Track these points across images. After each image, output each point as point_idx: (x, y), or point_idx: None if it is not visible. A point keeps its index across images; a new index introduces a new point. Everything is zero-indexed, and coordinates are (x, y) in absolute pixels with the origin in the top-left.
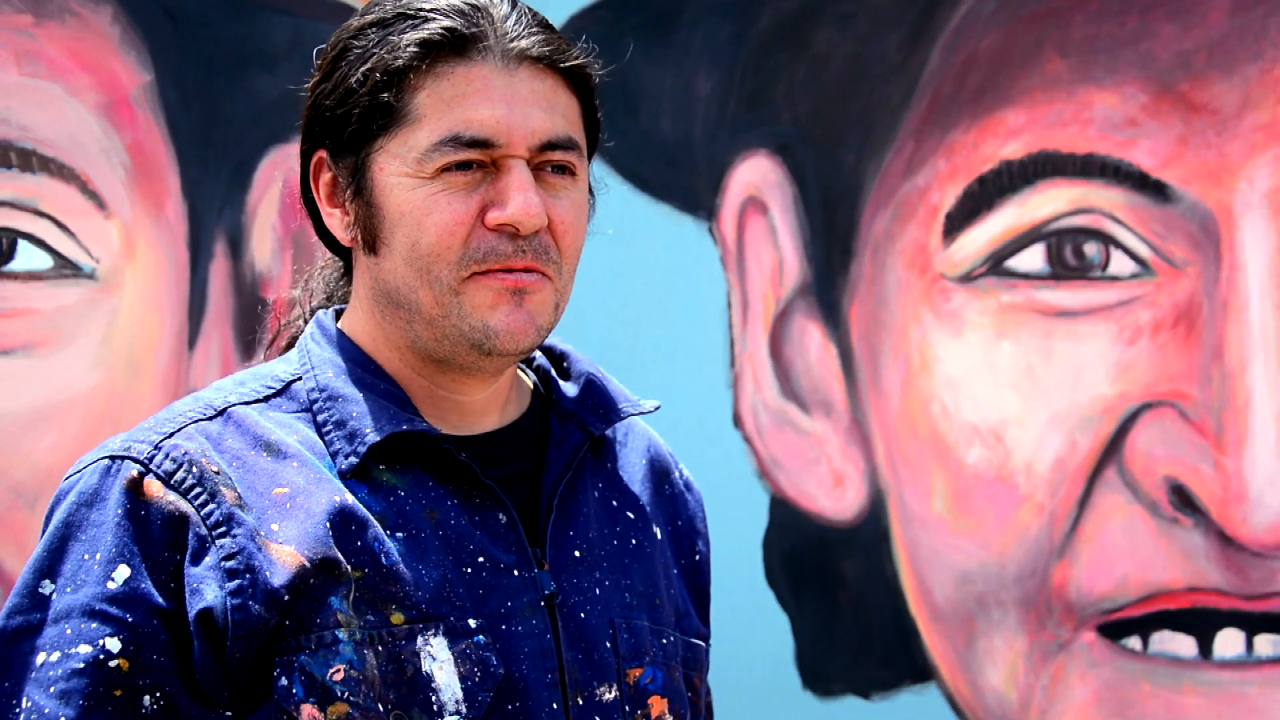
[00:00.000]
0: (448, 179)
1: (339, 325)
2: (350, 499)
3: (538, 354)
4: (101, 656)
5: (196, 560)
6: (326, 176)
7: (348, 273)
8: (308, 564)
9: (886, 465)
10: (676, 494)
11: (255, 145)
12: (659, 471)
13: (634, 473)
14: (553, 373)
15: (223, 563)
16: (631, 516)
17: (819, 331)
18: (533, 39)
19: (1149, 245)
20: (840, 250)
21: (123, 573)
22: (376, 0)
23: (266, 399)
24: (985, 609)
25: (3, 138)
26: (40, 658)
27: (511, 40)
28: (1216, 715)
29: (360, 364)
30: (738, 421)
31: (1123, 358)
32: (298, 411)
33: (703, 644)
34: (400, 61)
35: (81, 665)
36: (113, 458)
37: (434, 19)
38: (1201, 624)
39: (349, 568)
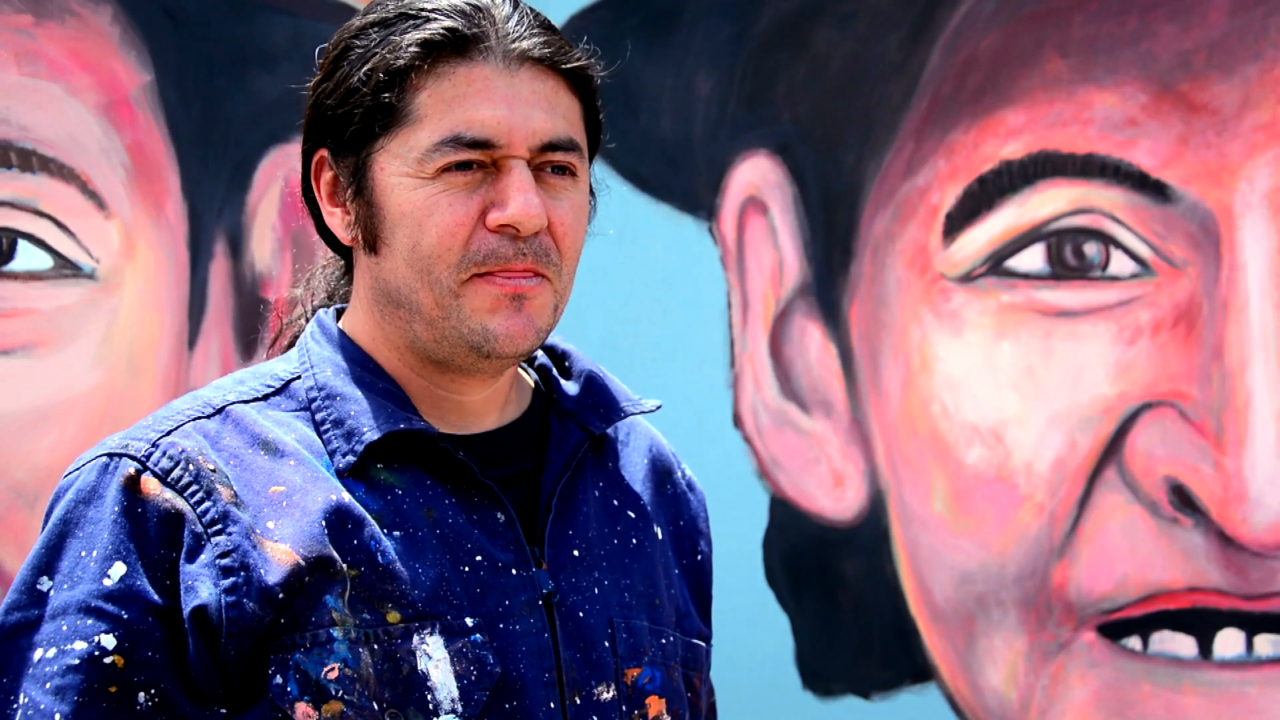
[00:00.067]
0: (448, 179)
1: (339, 324)
2: (347, 497)
3: (539, 353)
4: (96, 653)
5: (192, 558)
6: (328, 176)
7: (349, 272)
8: (303, 562)
9: (886, 465)
10: (678, 494)
11: (255, 145)
12: (661, 471)
13: (635, 472)
14: (554, 372)
15: (218, 560)
16: (632, 516)
17: (819, 331)
18: (534, 40)
19: (1149, 245)
20: (840, 250)
21: (118, 570)
22: (378, 0)
23: (265, 398)
24: (985, 609)
25: (3, 138)
26: (37, 654)
27: (513, 41)
28: (1216, 715)
29: (360, 363)
30: (738, 421)
31: (1123, 358)
32: (296, 410)
33: (703, 644)
34: (402, 61)
35: (77, 661)
36: (111, 455)
37: (435, 19)
38: (1201, 624)
39: (344, 566)
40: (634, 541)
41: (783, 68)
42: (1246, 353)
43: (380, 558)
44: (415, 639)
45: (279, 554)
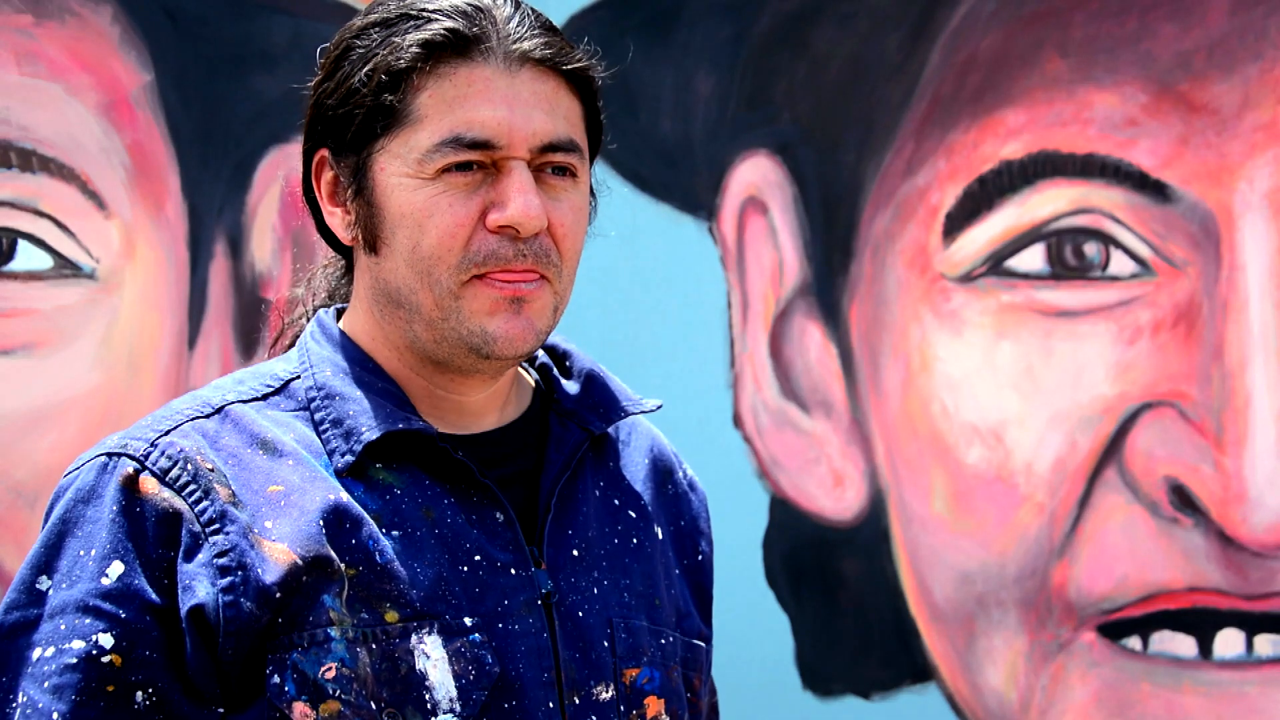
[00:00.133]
0: (449, 180)
1: (340, 324)
2: (345, 497)
3: (540, 352)
4: (94, 652)
5: (189, 557)
6: (328, 176)
7: (350, 272)
8: (300, 561)
9: (886, 465)
10: (680, 493)
11: (255, 145)
12: (662, 471)
13: (636, 472)
14: (554, 371)
15: (215, 560)
16: (633, 516)
17: (819, 331)
18: (535, 41)
19: (1149, 245)
20: (840, 250)
21: (116, 569)
22: (380, 0)
23: (265, 397)
24: (985, 609)
25: (3, 138)
26: (36, 653)
27: (514, 42)
28: (1216, 715)
29: (359, 363)
30: (738, 421)
31: (1123, 358)
32: (296, 410)
33: (703, 644)
34: (402, 62)
35: (74, 660)
36: (109, 455)
37: (437, 20)
38: (1201, 624)
39: (342, 566)
40: (634, 541)
41: (783, 68)
42: (1246, 353)
43: (378, 557)
44: (413, 639)
45: (276, 553)
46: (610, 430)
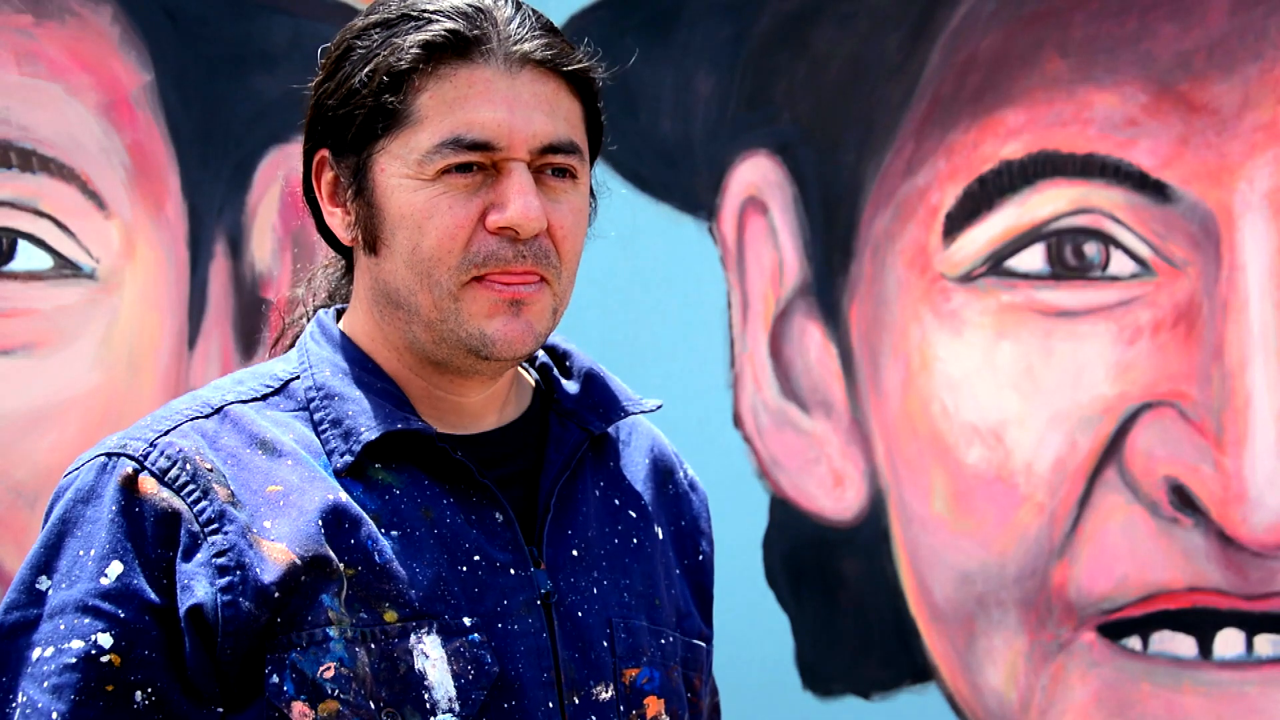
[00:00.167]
0: (448, 181)
1: (340, 325)
2: (344, 497)
3: (540, 352)
4: (93, 652)
5: (188, 557)
6: (328, 176)
7: (350, 272)
8: (299, 561)
9: (886, 465)
10: (680, 493)
11: (255, 145)
12: (662, 471)
13: (636, 472)
14: (554, 371)
15: (214, 559)
16: (633, 516)
17: (819, 331)
18: (536, 42)
19: (1149, 245)
20: (840, 250)
21: (115, 569)
22: (381, 0)
23: (264, 398)
24: (985, 609)
25: (3, 138)
26: (35, 653)
27: (514, 43)
28: (1216, 715)
29: (359, 363)
30: (738, 421)
31: (1123, 358)
32: (295, 410)
33: (703, 644)
34: (403, 63)
35: (74, 660)
36: (109, 455)
37: (437, 20)
38: (1201, 624)
39: (341, 565)
40: (634, 541)
41: (783, 68)
42: (1246, 353)
43: (377, 557)
44: (412, 638)
45: (275, 553)
46: (610, 430)
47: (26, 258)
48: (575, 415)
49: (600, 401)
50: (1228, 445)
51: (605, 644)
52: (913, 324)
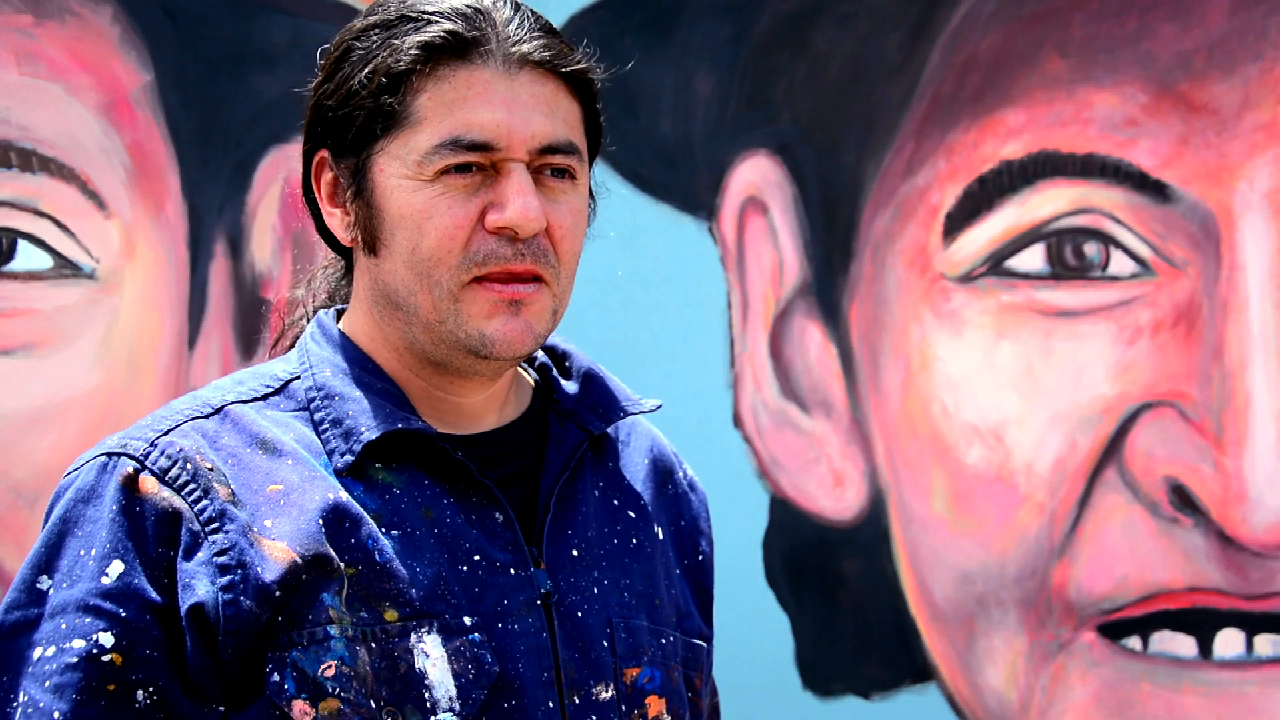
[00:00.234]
0: (448, 182)
1: (339, 325)
2: (344, 496)
3: (539, 353)
4: (95, 651)
5: (189, 556)
6: (328, 177)
7: (349, 272)
8: (299, 560)
9: (886, 465)
10: (680, 493)
11: (255, 145)
12: (662, 471)
13: (636, 472)
14: (554, 371)
15: (215, 558)
16: (632, 516)
17: (819, 331)
18: (534, 43)
19: (1149, 245)
20: (840, 250)
21: (116, 568)
22: (380, 1)
23: (264, 398)
24: (985, 609)
25: (3, 138)
26: (36, 652)
27: (513, 44)
28: (1216, 715)
29: (359, 364)
30: (738, 421)
31: (1123, 358)
32: (295, 410)
33: (704, 644)
34: (402, 64)
35: (75, 660)
36: (109, 454)
37: (436, 22)
38: (1201, 624)
39: (342, 564)
40: (634, 541)
41: (783, 68)
42: (1246, 353)
43: (378, 556)
44: (413, 638)
45: (276, 552)
46: (610, 430)
47: (26, 258)
48: (575, 415)
49: (600, 402)
50: (1228, 445)
51: (605, 644)
52: (913, 324)
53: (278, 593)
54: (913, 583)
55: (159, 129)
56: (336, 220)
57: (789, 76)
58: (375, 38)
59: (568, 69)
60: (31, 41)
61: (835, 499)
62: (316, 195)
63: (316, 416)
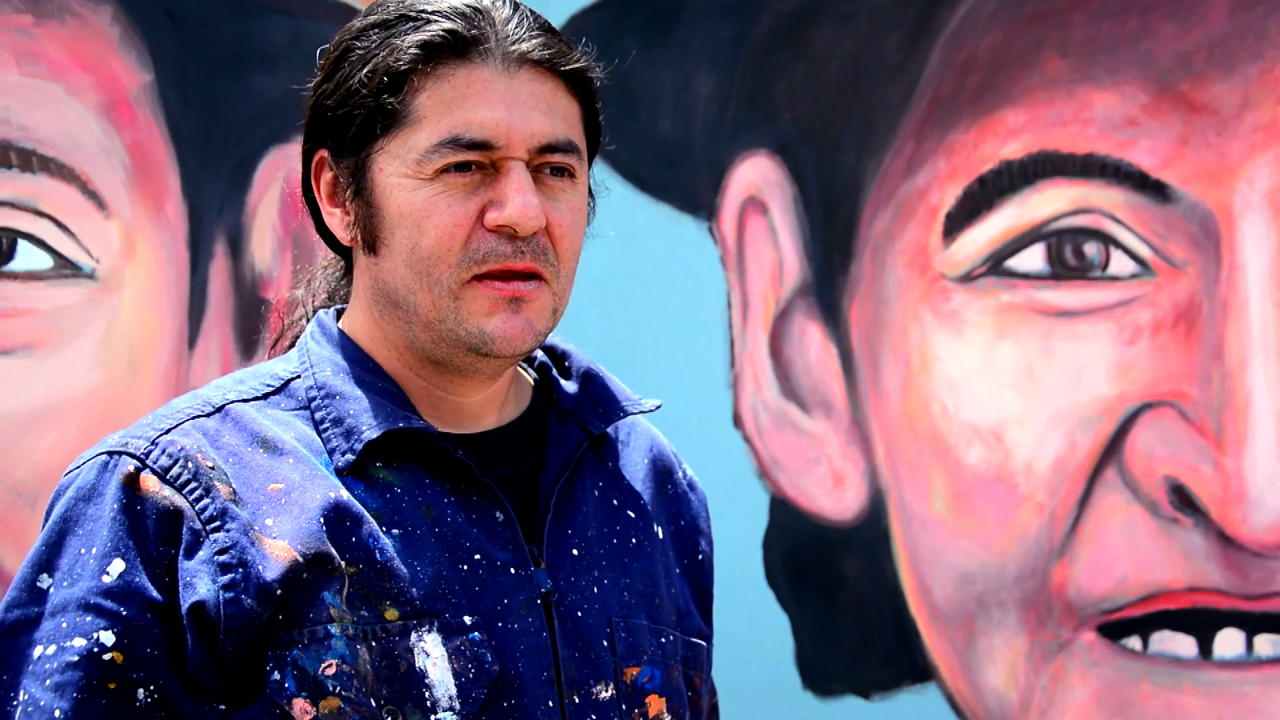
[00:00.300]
0: (447, 180)
1: (339, 325)
2: (345, 495)
3: (539, 352)
4: (95, 650)
5: (190, 554)
6: (327, 176)
7: (349, 272)
8: (300, 558)
9: (886, 465)
10: (679, 493)
11: (255, 145)
12: (661, 470)
13: (636, 471)
14: (553, 371)
15: (216, 557)
16: (632, 515)
17: (819, 331)
18: (534, 42)
19: (1149, 245)
20: (840, 250)
21: (117, 567)
22: (379, 1)
23: (265, 397)
24: (985, 609)
25: (3, 138)
26: (37, 651)
27: (513, 43)
28: (1216, 715)
29: (359, 363)
30: (738, 421)
31: (1123, 358)
32: (296, 409)
33: (704, 643)
34: (402, 63)
35: (76, 658)
36: (110, 453)
37: (436, 21)
38: (1201, 624)
39: (343, 563)
40: (634, 541)
41: (783, 68)
42: (1246, 353)
43: (379, 555)
44: (413, 636)
45: (277, 551)
46: (610, 430)
47: (26, 258)
48: (574, 415)
49: (599, 401)
50: (1228, 445)
51: (605, 643)
52: (913, 324)
53: (279, 591)
54: (913, 583)
55: (159, 129)
56: (336, 219)
57: (789, 76)
58: (375, 37)
59: (567, 68)
60: (31, 41)
61: (835, 499)
62: (316, 195)
63: (317, 415)
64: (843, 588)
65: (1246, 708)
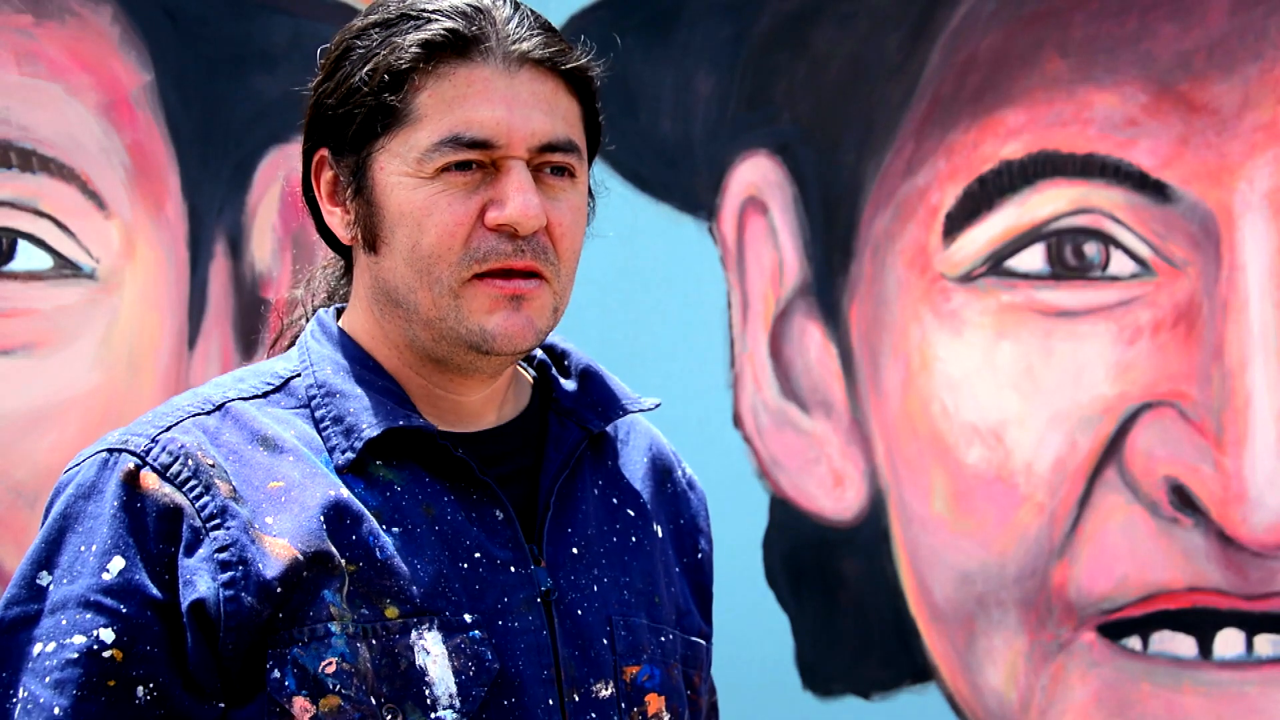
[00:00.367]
0: (448, 179)
1: (339, 323)
2: (345, 493)
3: (538, 351)
4: (95, 647)
5: (190, 552)
6: (328, 175)
7: (349, 271)
8: (300, 556)
9: (886, 465)
10: (679, 492)
11: (255, 145)
12: (661, 469)
13: (635, 470)
14: (553, 370)
15: (216, 554)
16: (632, 514)
17: (819, 331)
18: (534, 41)
19: (1149, 245)
20: (840, 250)
21: (117, 564)
22: (380, 0)
23: (265, 395)
24: (985, 609)
25: (3, 138)
26: (37, 648)
27: (513, 42)
28: (1216, 715)
29: (359, 361)
30: (738, 421)
31: (1123, 358)
32: (296, 408)
33: (703, 642)
34: (403, 62)
35: (75, 655)
36: (110, 450)
37: (436, 20)
38: (1201, 624)
39: (343, 561)
40: (633, 539)
41: (783, 68)
42: (1246, 353)
43: (379, 553)
44: (413, 635)
45: (277, 549)
46: (609, 429)
47: (26, 258)
48: (574, 414)
49: (599, 400)
50: (1228, 445)
51: (605, 641)
52: (913, 324)
53: (279, 589)
54: (913, 583)
55: (159, 129)
56: (336, 219)
57: (789, 76)
58: (376, 36)
59: (567, 67)
60: (31, 41)
61: (835, 499)
62: (316, 194)
63: (317, 414)
64: (843, 588)
65: (1246, 708)
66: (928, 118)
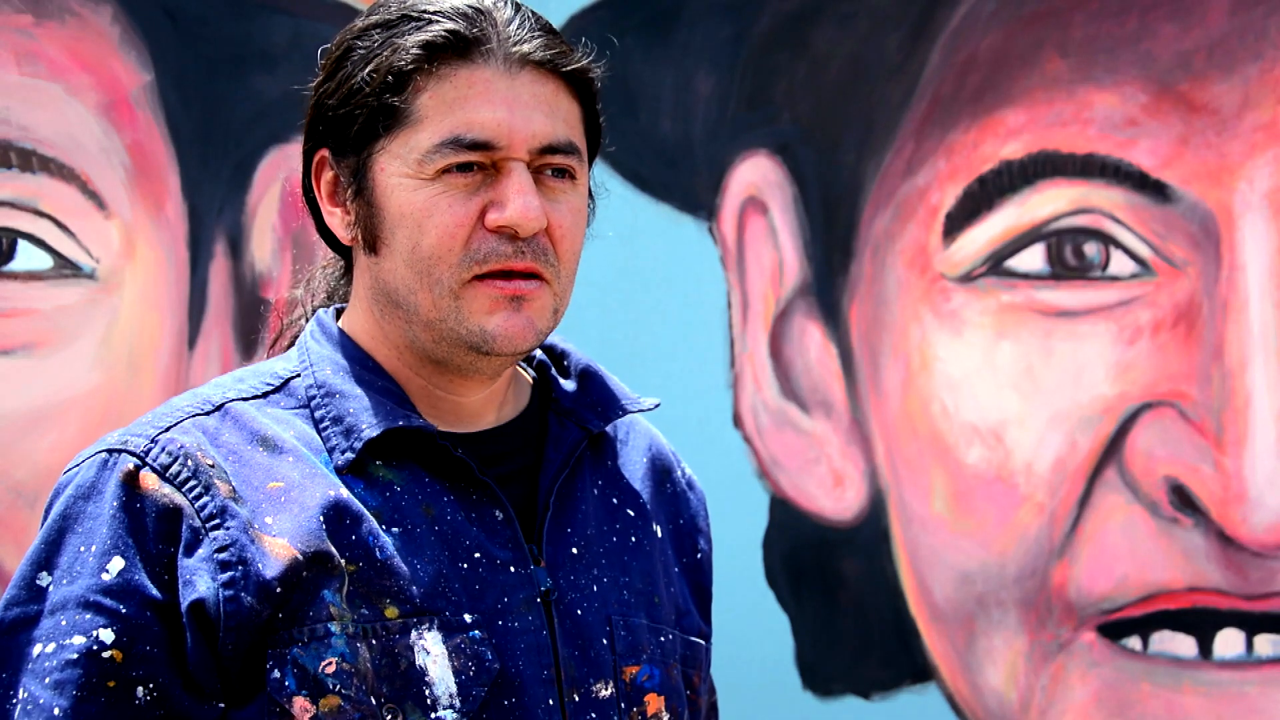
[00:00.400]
0: (448, 180)
1: (339, 324)
2: (345, 493)
3: (538, 351)
4: (95, 647)
5: (190, 552)
6: (328, 176)
7: (349, 272)
8: (300, 556)
9: (886, 465)
10: (678, 492)
11: (255, 145)
12: (660, 469)
13: (635, 470)
14: (552, 370)
15: (216, 554)
16: (631, 514)
17: (819, 331)
18: (535, 43)
19: (1149, 245)
20: (840, 250)
21: (117, 565)
22: (381, 1)
23: (265, 395)
24: (985, 609)
25: (3, 138)
26: (36, 649)
27: (514, 44)
28: (1216, 715)
29: (359, 362)
30: (738, 421)
31: (1123, 358)
32: (296, 408)
33: (703, 642)
34: (403, 63)
35: (75, 656)
36: (110, 451)
37: (437, 21)
38: (1201, 624)
39: (342, 561)
40: (633, 539)
41: (783, 68)
42: (1246, 353)
43: (378, 553)
44: (413, 635)
45: (277, 549)
46: (609, 429)
47: (26, 258)
48: (574, 414)
49: (598, 400)
50: (1228, 445)
51: (605, 641)
52: (913, 324)
53: (279, 589)
54: (913, 583)
55: (159, 129)
56: (337, 219)
57: (789, 76)
58: (377, 37)
59: (568, 69)
60: (31, 41)
61: (835, 499)
62: (317, 194)
63: (317, 414)
64: (843, 588)
65: (1246, 708)
66: (928, 118)
